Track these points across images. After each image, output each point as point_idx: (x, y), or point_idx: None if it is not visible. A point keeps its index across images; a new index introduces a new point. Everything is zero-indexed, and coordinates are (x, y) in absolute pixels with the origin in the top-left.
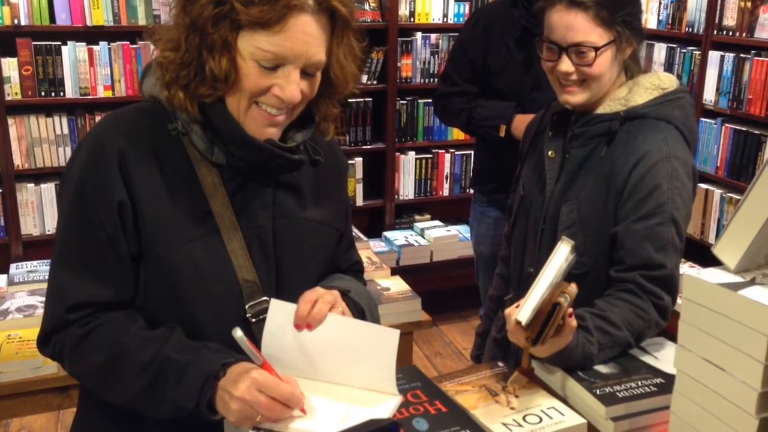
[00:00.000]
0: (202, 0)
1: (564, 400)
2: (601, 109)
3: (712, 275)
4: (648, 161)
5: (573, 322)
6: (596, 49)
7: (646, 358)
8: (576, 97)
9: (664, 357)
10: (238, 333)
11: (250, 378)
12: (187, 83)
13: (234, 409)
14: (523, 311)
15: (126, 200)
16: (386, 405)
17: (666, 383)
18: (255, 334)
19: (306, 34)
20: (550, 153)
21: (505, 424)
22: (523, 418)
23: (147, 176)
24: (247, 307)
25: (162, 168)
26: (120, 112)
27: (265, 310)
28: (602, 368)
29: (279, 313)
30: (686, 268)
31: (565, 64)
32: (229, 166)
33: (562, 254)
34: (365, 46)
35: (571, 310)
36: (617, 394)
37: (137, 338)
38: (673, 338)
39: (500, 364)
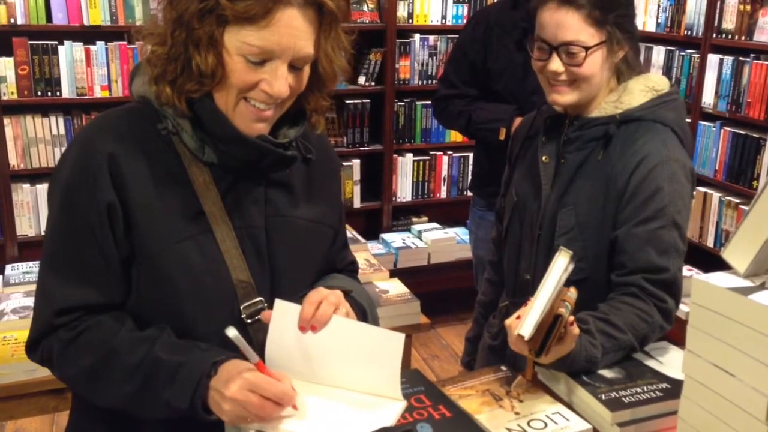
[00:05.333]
0: None
1: (568, 405)
2: (596, 113)
3: (721, 279)
4: (648, 164)
5: (575, 329)
6: (586, 48)
7: (651, 363)
8: (565, 97)
9: (668, 362)
10: (232, 332)
11: (242, 378)
12: (174, 78)
13: (226, 409)
14: (525, 325)
15: (115, 202)
16: (390, 410)
17: (672, 388)
18: (251, 335)
19: (292, 28)
20: (544, 158)
21: (509, 429)
22: (528, 423)
23: (138, 177)
24: (242, 307)
25: (153, 168)
26: (109, 113)
27: (260, 311)
28: (607, 373)
29: (283, 313)
30: (684, 272)
31: (555, 64)
32: (221, 164)
33: (560, 265)
34: (354, 39)
35: (572, 318)
36: (623, 399)
37: (126, 340)
38: (677, 343)
39: (503, 368)
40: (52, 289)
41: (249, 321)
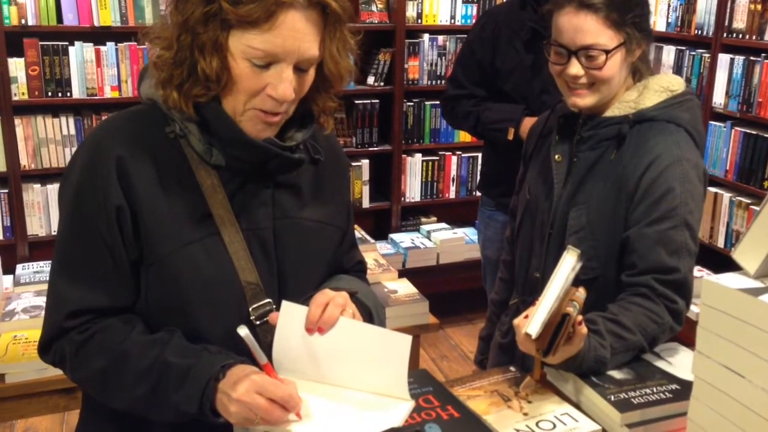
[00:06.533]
0: None
1: (577, 406)
2: (610, 112)
3: (731, 280)
4: (660, 164)
5: (583, 329)
6: (607, 51)
7: (661, 364)
8: (585, 100)
9: (678, 363)
10: (244, 331)
11: (250, 380)
12: (180, 83)
13: (233, 411)
14: (532, 324)
15: (124, 205)
16: (398, 410)
17: (682, 389)
18: (260, 336)
19: (296, 31)
20: (557, 157)
21: (518, 430)
22: (537, 424)
23: (146, 180)
24: (250, 309)
25: (160, 171)
26: (117, 116)
27: (268, 312)
28: (616, 374)
29: (290, 315)
30: (695, 273)
31: (575, 68)
32: (228, 167)
33: (568, 264)
34: (361, 39)
35: (580, 317)
36: (632, 400)
37: (137, 343)
38: (687, 344)
39: (512, 368)
40: (63, 292)
41: (257, 322)
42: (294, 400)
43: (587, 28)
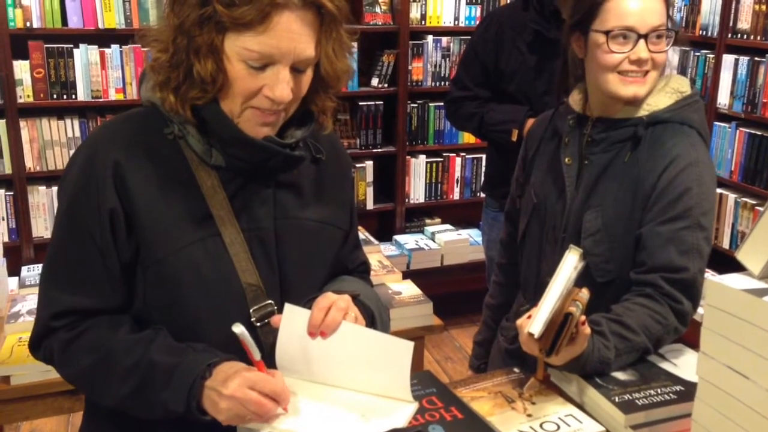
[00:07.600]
0: (189, 1)
1: (581, 407)
2: (621, 114)
3: (735, 281)
4: (678, 165)
5: (586, 329)
6: (675, 31)
7: (665, 365)
8: (643, 88)
9: (683, 364)
10: (238, 329)
11: (241, 376)
12: (177, 86)
13: (223, 407)
14: (534, 324)
15: (118, 208)
16: (402, 412)
17: (686, 391)
18: (260, 338)
19: (291, 32)
20: (566, 159)
21: None
22: (540, 426)
23: (144, 182)
24: (251, 311)
25: (160, 173)
26: (115, 120)
27: (269, 314)
28: (620, 375)
29: (292, 318)
30: None
31: (645, 51)
32: (228, 167)
33: (570, 263)
34: (358, 39)
35: (583, 318)
36: (636, 401)
37: (123, 342)
38: (692, 345)
39: (515, 370)
40: (51, 293)
41: (258, 324)
42: (285, 393)
43: (655, 8)
